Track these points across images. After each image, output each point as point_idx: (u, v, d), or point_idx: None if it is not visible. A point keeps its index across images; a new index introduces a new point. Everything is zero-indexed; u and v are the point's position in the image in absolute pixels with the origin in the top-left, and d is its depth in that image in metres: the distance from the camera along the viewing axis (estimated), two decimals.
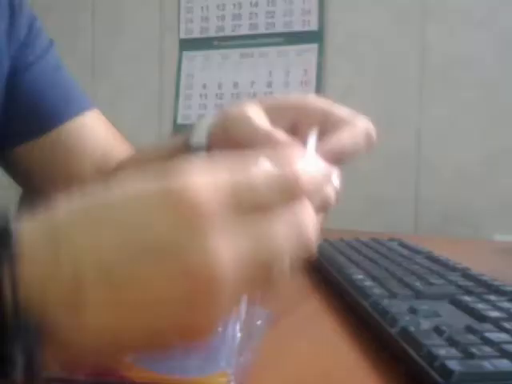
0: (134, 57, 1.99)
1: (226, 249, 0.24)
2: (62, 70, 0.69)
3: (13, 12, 0.65)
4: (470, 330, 0.37)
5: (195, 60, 1.90)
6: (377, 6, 1.65)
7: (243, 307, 0.35)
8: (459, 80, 1.56)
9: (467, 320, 0.41)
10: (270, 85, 1.78)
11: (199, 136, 0.50)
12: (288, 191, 0.27)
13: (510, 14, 1.51)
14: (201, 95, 1.88)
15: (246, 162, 0.27)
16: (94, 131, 0.68)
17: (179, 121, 1.91)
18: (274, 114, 0.46)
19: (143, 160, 0.62)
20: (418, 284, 0.49)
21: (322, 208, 0.33)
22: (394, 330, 0.39)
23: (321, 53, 1.72)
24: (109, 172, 0.66)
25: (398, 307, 0.43)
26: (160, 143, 0.64)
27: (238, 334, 0.34)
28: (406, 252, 0.67)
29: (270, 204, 0.26)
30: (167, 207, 0.24)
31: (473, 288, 0.49)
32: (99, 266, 0.24)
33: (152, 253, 0.24)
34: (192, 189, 0.24)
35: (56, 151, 0.66)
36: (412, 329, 0.37)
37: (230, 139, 0.45)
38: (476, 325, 0.38)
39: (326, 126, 0.44)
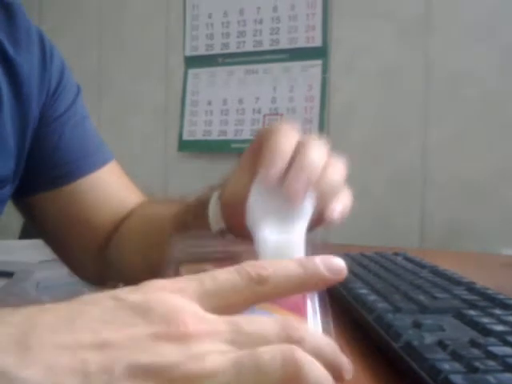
0: (140, 74, 2.01)
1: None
2: (88, 121, 0.72)
3: (44, 60, 0.66)
4: (474, 344, 0.37)
5: (200, 77, 1.92)
6: (380, 22, 1.66)
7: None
8: (463, 95, 1.56)
9: (471, 334, 0.40)
10: (274, 100, 1.79)
11: (216, 220, 0.53)
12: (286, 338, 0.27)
13: None
14: (206, 112, 1.89)
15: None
16: (111, 185, 0.71)
17: (185, 137, 1.92)
18: None
19: (152, 217, 0.67)
20: (422, 298, 0.49)
21: None
22: (397, 345, 0.39)
23: (325, 69, 1.73)
24: (122, 219, 0.70)
25: (402, 321, 0.42)
26: (168, 200, 0.68)
27: None
28: (410, 266, 0.67)
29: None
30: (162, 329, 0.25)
31: (477, 302, 0.48)
32: None
33: (152, 371, 0.24)
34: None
35: (73, 201, 0.69)
36: (416, 343, 0.37)
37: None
38: (480, 339, 0.38)
39: None
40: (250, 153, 0.49)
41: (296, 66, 1.77)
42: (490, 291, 0.52)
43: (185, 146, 1.93)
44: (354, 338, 0.46)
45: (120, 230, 0.70)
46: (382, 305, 0.48)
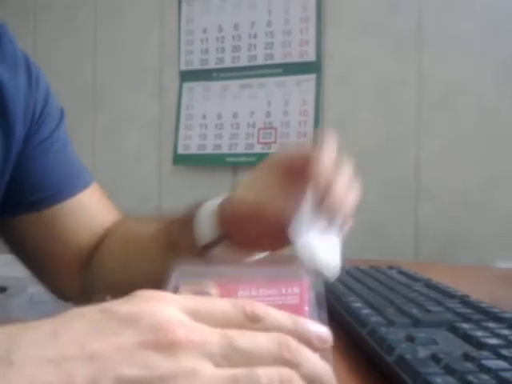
0: (135, 88, 2.01)
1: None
2: (70, 147, 0.72)
3: (30, 84, 0.66)
4: (467, 357, 0.37)
5: (195, 91, 1.92)
6: (373, 36, 1.68)
7: None
8: (456, 107, 1.57)
9: (465, 347, 0.40)
10: (269, 115, 1.79)
11: (209, 230, 0.55)
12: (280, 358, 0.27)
13: (506, 41, 1.53)
14: (201, 126, 1.90)
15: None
16: (91, 208, 0.72)
17: (179, 151, 1.92)
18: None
19: (130, 235, 0.68)
20: (415, 312, 0.49)
21: None
22: (391, 358, 0.38)
23: (319, 83, 1.74)
24: (100, 238, 0.71)
25: (395, 335, 0.42)
26: (145, 219, 0.70)
27: None
28: (404, 280, 0.67)
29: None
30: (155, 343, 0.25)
31: (471, 315, 0.48)
32: None
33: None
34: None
35: (54, 224, 0.69)
36: (409, 357, 0.37)
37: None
38: (474, 352, 0.38)
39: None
40: (283, 158, 0.56)
41: (290, 80, 1.78)
42: (483, 304, 0.52)
43: (179, 159, 1.93)
44: (348, 352, 0.46)
45: (100, 250, 0.71)
46: (375, 318, 0.47)
